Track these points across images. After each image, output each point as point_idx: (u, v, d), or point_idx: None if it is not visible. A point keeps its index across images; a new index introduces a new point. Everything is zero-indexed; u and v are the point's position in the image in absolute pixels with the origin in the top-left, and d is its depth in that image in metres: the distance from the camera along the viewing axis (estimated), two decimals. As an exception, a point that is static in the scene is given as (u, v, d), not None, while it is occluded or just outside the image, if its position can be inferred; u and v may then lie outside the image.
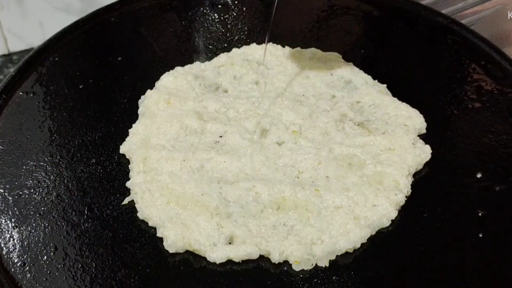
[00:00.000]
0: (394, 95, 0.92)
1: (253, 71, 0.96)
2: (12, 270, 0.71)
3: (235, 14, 1.10)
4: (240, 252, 0.72)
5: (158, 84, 0.94)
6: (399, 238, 0.75)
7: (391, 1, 1.10)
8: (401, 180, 0.79)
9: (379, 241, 0.74)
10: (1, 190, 0.79)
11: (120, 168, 0.83)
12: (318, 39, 1.05)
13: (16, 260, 0.72)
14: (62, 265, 0.71)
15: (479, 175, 0.81)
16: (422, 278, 0.70)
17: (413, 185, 0.80)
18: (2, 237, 0.74)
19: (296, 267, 0.71)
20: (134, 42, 1.05)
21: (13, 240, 0.74)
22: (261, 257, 0.72)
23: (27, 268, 0.71)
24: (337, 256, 0.73)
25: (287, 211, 0.76)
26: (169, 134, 0.86)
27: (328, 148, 0.83)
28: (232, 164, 0.81)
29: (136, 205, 0.77)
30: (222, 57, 0.99)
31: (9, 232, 0.75)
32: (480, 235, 0.74)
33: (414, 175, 0.82)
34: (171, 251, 0.73)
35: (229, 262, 0.72)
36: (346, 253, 0.73)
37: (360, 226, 0.74)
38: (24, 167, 0.82)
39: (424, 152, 0.83)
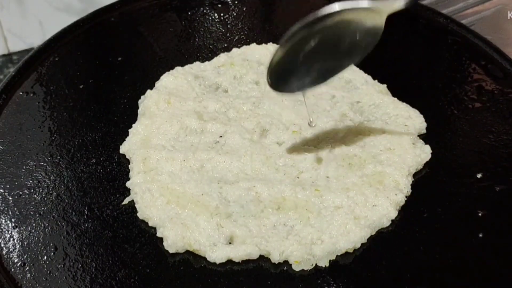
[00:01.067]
0: (394, 95, 0.92)
1: (253, 71, 0.96)
2: (12, 270, 0.71)
3: (235, 14, 1.10)
4: (240, 252, 0.72)
5: (158, 84, 0.94)
6: (399, 238, 0.75)
7: (391, 1, 1.10)
8: (401, 180, 0.79)
9: (379, 241, 0.74)
10: (1, 190, 0.79)
11: (120, 168, 0.83)
12: (318, 39, 1.05)
13: (16, 260, 0.72)
14: (62, 265, 0.71)
15: (479, 175, 0.81)
16: (422, 278, 0.70)
17: (413, 185, 0.80)
18: (2, 237, 0.74)
19: (296, 267, 0.71)
20: (134, 42, 1.05)
21: (13, 240, 0.74)
22: (261, 257, 0.72)
23: (27, 268, 0.71)
24: (337, 256, 0.73)
25: (287, 211, 0.76)
26: (169, 134, 0.86)
27: (328, 148, 0.83)
28: (232, 164, 0.81)
29: (136, 205, 0.77)
30: (222, 57, 0.99)
31: (9, 232, 0.75)
32: (480, 235, 0.74)
33: (414, 175, 0.82)
34: (171, 251, 0.73)
35: (229, 262, 0.72)
36: (346, 253, 0.73)
37: (360, 226, 0.74)
38: (24, 167, 0.82)
39: (424, 152, 0.83)
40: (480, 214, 0.76)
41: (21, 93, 0.93)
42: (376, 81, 0.94)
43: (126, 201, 0.79)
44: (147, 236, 0.75)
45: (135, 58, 1.02)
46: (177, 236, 0.73)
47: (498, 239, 0.74)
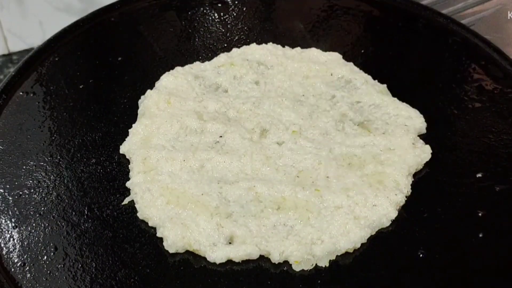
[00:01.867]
0: (394, 95, 0.93)
1: (253, 71, 0.96)
2: (12, 270, 0.71)
3: (235, 14, 1.10)
4: (240, 252, 0.72)
5: (158, 84, 0.94)
6: (399, 238, 0.75)
7: (391, 1, 1.10)
8: (401, 180, 0.79)
9: (379, 241, 0.74)
10: (1, 190, 0.79)
11: (120, 168, 0.83)
12: (318, 39, 1.05)
13: (16, 260, 0.72)
14: (62, 265, 0.71)
15: (479, 175, 0.81)
16: (422, 278, 0.70)
17: (413, 185, 0.80)
18: (2, 237, 0.74)
19: (296, 267, 0.71)
20: (134, 42, 1.05)
21: (13, 240, 0.74)
22: (261, 257, 0.72)
23: (27, 268, 0.71)
24: (337, 256, 0.73)
25: (287, 211, 0.76)
26: (169, 134, 0.86)
27: (328, 148, 0.83)
28: (232, 164, 0.81)
29: (136, 205, 0.77)
30: (222, 57, 0.99)
31: (9, 232, 0.75)
32: (480, 235, 0.74)
33: (414, 175, 0.82)
34: (171, 251, 0.73)
35: (229, 262, 0.72)
36: (346, 253, 0.73)
37: (360, 226, 0.74)
38: (24, 167, 0.82)
39: (424, 152, 0.83)
40: (480, 214, 0.76)
41: (21, 93, 0.93)
42: (376, 81, 0.94)
43: (126, 201, 0.79)
44: (147, 236, 0.75)
45: (135, 58, 1.02)
46: (177, 236, 0.73)
47: (498, 239, 0.74)
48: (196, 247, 0.73)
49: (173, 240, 0.73)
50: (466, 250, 0.73)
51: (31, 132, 0.88)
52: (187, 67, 0.97)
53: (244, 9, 1.11)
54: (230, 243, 0.73)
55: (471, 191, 0.79)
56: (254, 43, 1.02)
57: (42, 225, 0.76)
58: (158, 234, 0.75)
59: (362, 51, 1.02)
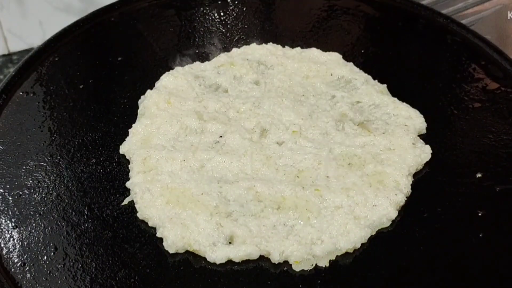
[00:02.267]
0: (394, 95, 0.93)
1: (253, 71, 0.96)
2: (12, 270, 0.71)
3: (235, 14, 1.10)
4: (240, 252, 0.72)
5: (158, 84, 0.94)
6: (399, 238, 0.75)
7: (391, 1, 1.10)
8: (401, 180, 0.79)
9: (379, 241, 0.74)
10: (1, 190, 0.79)
11: (120, 168, 0.83)
12: (318, 39, 1.05)
13: (16, 260, 0.72)
14: (62, 265, 0.71)
15: (479, 175, 0.81)
16: (422, 278, 0.70)
17: (413, 185, 0.80)
18: (2, 237, 0.74)
19: (296, 267, 0.71)
20: (134, 42, 1.05)
21: (13, 240, 0.74)
22: (261, 257, 0.72)
23: (27, 268, 0.71)
24: (337, 256, 0.73)
25: (287, 211, 0.76)
26: (169, 134, 0.86)
27: (328, 148, 0.83)
28: (232, 164, 0.81)
29: (136, 205, 0.77)
30: (222, 57, 0.99)
31: (9, 232, 0.75)
32: (480, 235, 0.74)
33: (414, 175, 0.82)
34: (171, 251, 0.73)
35: (229, 262, 0.72)
36: (346, 253, 0.73)
37: (360, 226, 0.74)
38: (24, 167, 0.82)
39: (424, 152, 0.83)
40: (480, 214, 0.76)
41: (21, 93, 0.93)
42: (376, 81, 0.95)
43: (126, 201, 0.79)
44: (147, 236, 0.75)
45: (135, 58, 1.02)
46: (177, 236, 0.73)
47: (498, 239, 0.74)
48: (196, 247, 0.73)
49: (173, 240, 0.73)
50: (466, 250, 0.73)
51: (31, 132, 0.88)
52: (187, 67, 0.97)
53: (244, 9, 1.11)
54: (230, 243, 0.73)
55: (471, 191, 0.79)
56: (254, 43, 1.02)
57: (42, 225, 0.76)
58: (158, 234, 0.75)
59: (362, 51, 1.02)
